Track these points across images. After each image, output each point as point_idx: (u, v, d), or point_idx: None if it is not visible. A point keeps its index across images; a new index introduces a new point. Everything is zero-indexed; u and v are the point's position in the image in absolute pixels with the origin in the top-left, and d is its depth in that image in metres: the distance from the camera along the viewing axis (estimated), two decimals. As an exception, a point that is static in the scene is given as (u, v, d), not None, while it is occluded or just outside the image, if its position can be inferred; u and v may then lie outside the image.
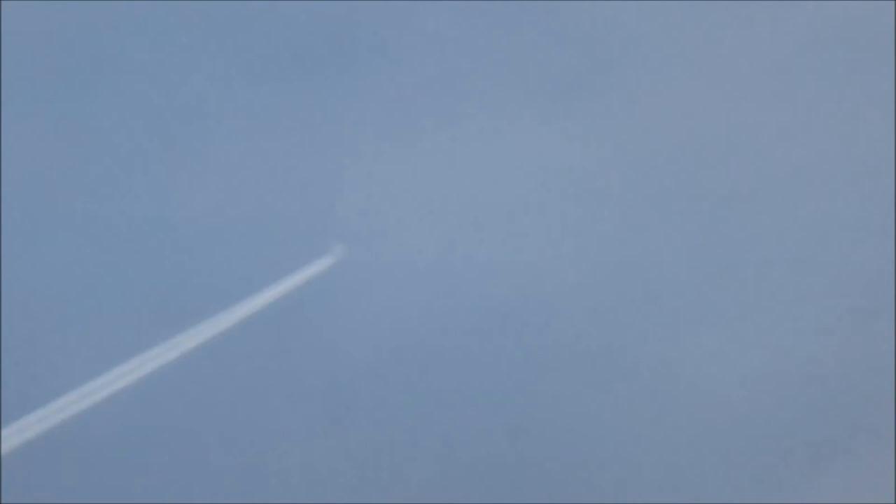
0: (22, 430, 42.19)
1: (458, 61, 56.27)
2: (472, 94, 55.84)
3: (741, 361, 50.15)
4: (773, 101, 55.75)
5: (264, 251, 51.68)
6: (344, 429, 48.07)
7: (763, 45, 56.37)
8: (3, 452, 40.49)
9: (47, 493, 44.60)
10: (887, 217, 52.02)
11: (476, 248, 52.70)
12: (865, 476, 45.35)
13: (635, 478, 47.79)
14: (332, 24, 57.68)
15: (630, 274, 52.93)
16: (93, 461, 46.22)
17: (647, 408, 49.19)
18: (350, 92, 56.51)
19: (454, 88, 56.08)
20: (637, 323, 51.78)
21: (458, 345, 50.16)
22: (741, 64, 56.57)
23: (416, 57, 56.40)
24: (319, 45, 56.52)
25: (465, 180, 54.27)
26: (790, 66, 56.18)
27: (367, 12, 57.21)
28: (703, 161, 55.01)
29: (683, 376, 50.04)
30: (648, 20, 56.73)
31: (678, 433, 48.85)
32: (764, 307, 51.95)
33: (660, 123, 55.24)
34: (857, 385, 47.88)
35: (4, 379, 47.03)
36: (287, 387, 49.19)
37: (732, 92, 56.06)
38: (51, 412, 43.22)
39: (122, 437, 46.94)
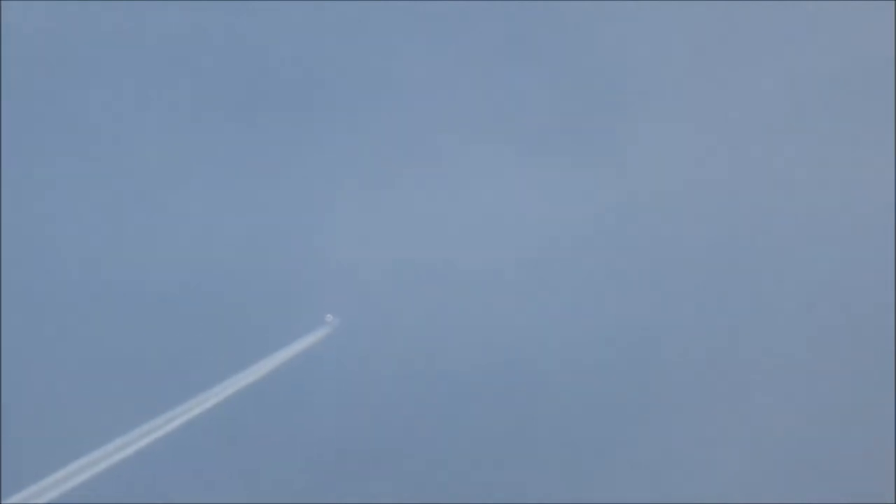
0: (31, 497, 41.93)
1: (443, 108, 55.53)
2: (457, 142, 55.14)
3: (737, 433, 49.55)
4: (771, 150, 55.02)
5: (261, 324, 51.31)
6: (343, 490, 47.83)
7: (760, 95, 55.53)
8: None
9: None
10: (887, 283, 51.49)
11: (463, 304, 52.25)
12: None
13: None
14: (314, 75, 56.93)
15: (622, 325, 52.45)
16: None
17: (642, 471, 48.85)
18: (333, 142, 55.78)
19: (439, 136, 55.38)
20: (632, 379, 51.41)
21: (448, 406, 49.85)
22: (736, 109, 55.79)
23: (400, 103, 55.71)
24: (302, 92, 55.66)
25: (451, 234, 53.72)
26: (787, 114, 55.35)
27: (348, 59, 56.47)
28: (693, 207, 54.39)
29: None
30: (645, 65, 56.09)
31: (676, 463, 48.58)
32: (763, 360, 51.56)
33: (647, 170, 54.72)
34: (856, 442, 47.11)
35: (6, 452, 46.92)
36: (287, 451, 48.93)
37: (728, 137, 55.32)
38: (56, 481, 43.00)
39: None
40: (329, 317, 48.84)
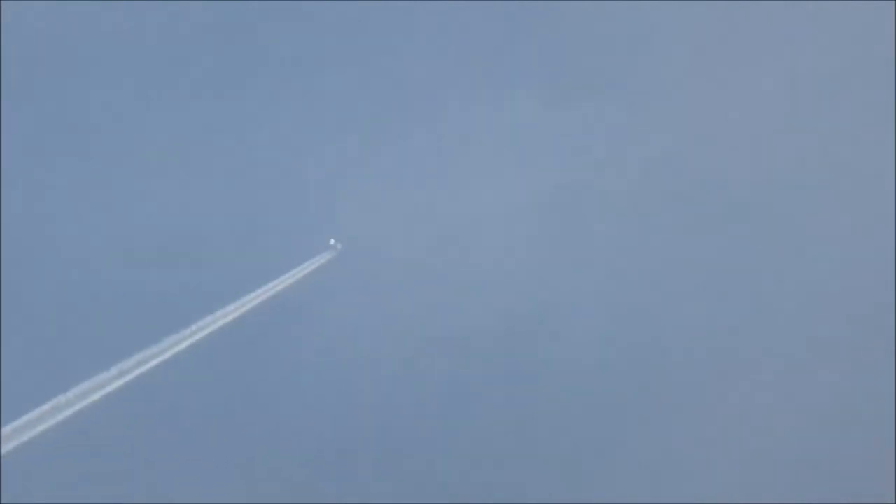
0: (33, 422, 42.08)
1: (455, 55, 55.20)
2: (470, 85, 54.95)
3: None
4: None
5: (269, 248, 51.40)
6: (343, 416, 47.87)
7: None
8: (2, 451, 40.40)
9: (51, 487, 44.49)
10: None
11: (469, 241, 52.18)
12: (865, 476, 45.24)
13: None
14: (325, 20, 56.75)
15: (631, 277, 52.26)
16: (99, 453, 45.98)
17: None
18: (343, 84, 55.64)
19: (451, 81, 55.09)
20: (636, 324, 51.29)
21: (451, 336, 49.79)
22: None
23: (414, 51, 55.42)
24: (311, 40, 55.55)
25: (458, 173, 53.65)
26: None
27: (365, 3, 56.14)
28: (702, 164, 54.27)
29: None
30: (659, 20, 55.36)
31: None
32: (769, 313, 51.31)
33: (663, 122, 54.40)
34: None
35: (5, 377, 46.93)
36: (289, 373, 49.00)
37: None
38: (56, 407, 43.07)
39: (141, 419, 46.66)
40: (332, 241, 49.71)
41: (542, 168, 53.52)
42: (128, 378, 43.76)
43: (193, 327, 45.87)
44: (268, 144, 53.86)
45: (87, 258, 50.76)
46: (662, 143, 53.66)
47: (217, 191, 52.67)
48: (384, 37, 55.30)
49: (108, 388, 43.21)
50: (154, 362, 44.42)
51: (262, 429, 47.39)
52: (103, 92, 54.07)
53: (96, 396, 42.89)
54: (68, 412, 42.00)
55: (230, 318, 47.11)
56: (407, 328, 49.47)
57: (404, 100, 54.37)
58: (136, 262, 50.22)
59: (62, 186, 52.33)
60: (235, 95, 55.27)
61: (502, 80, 54.40)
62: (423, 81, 54.76)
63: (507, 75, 54.30)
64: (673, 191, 53.01)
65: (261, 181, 53.15)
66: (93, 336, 48.54)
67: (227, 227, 52.10)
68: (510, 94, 54.33)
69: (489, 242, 51.88)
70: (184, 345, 45.26)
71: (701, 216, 52.25)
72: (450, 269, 51.12)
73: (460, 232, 51.99)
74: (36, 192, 51.57)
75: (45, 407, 41.89)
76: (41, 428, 41.59)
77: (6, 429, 40.99)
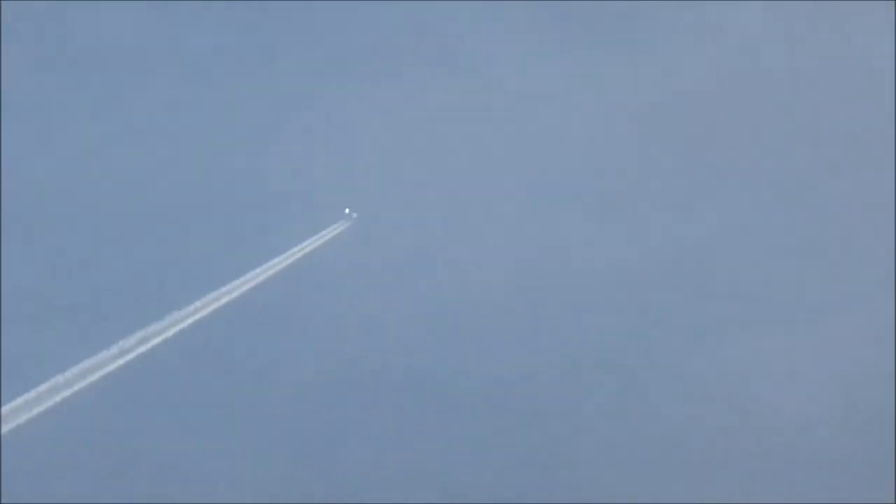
0: (31, 403, 42.07)
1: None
2: (485, 33, 54.22)
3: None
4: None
5: (288, 218, 51.39)
6: (354, 379, 47.80)
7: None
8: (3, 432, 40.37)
9: (49, 474, 44.42)
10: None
11: (484, 213, 51.94)
12: (865, 476, 45.27)
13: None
14: None
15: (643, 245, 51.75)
16: (110, 423, 45.97)
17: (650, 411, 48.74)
18: (346, 32, 55.25)
19: (465, 28, 54.35)
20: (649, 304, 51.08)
21: (462, 310, 49.70)
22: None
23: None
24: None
25: (462, 167, 53.43)
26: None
27: None
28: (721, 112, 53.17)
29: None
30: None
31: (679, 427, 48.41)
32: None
33: (680, 66, 53.74)
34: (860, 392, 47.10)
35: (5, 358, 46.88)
36: (302, 338, 48.90)
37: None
38: (65, 380, 43.12)
39: (149, 389, 46.65)
40: (347, 210, 50.32)
41: (544, 167, 53.56)
42: (129, 357, 43.91)
43: (197, 304, 46.18)
44: (275, 125, 53.89)
45: (92, 222, 50.81)
46: (664, 142, 53.68)
47: (230, 161, 52.77)
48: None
49: (110, 367, 43.35)
50: (158, 339, 44.68)
51: (260, 415, 47.47)
52: (112, 74, 54.11)
53: (103, 372, 43.06)
54: (66, 392, 42.05)
55: (234, 295, 47.45)
56: (407, 324, 49.57)
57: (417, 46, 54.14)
58: (144, 239, 50.41)
59: (63, 153, 52.41)
60: (246, 80, 55.17)
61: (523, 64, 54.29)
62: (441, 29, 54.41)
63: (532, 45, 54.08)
64: (673, 189, 53.02)
65: (276, 154, 53.24)
66: (101, 308, 48.67)
67: (238, 197, 52.24)
68: (518, 90, 54.40)
69: (489, 236, 51.93)
70: (187, 322, 45.52)
71: (701, 215, 52.25)
72: (449, 263, 51.19)
73: (461, 223, 52.04)
74: (36, 167, 51.67)
75: (43, 387, 41.93)
76: (39, 409, 41.57)
77: (5, 409, 41.03)
